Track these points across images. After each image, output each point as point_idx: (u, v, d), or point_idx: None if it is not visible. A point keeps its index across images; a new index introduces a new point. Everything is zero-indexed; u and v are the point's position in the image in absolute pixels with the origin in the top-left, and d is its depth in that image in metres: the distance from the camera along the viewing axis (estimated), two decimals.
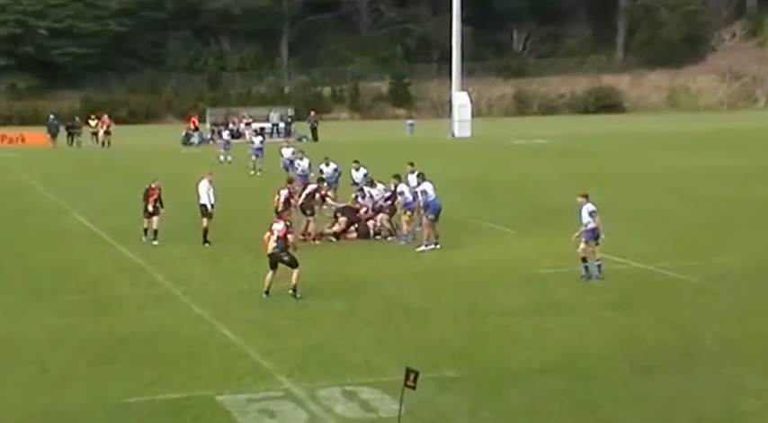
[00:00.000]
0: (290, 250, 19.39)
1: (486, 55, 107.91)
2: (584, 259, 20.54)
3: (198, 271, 22.63)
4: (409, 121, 78.33)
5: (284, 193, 25.29)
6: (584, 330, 16.79)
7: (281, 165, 38.43)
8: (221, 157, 49.85)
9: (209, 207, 25.39)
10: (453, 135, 70.69)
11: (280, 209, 24.15)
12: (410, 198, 25.29)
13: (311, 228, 25.94)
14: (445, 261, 23.19)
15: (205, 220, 25.57)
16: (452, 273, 21.83)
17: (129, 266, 23.31)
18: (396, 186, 25.92)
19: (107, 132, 64.58)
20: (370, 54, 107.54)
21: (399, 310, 18.48)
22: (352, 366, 14.94)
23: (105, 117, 66.30)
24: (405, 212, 25.49)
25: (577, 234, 20.72)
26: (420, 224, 25.32)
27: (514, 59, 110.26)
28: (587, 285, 20.23)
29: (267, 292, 19.50)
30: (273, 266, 19.47)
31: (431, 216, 24.55)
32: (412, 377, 10.70)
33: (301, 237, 24.72)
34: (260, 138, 47.70)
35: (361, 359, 15.26)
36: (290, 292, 19.30)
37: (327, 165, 31.73)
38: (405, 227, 25.66)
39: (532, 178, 40.98)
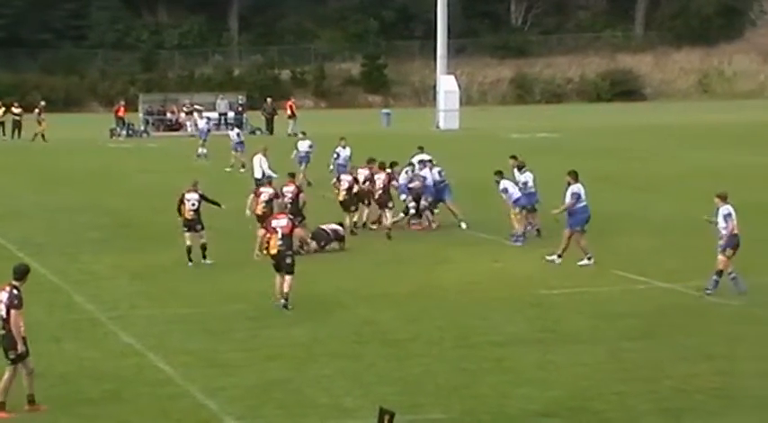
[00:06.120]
0: (296, 251, 20.79)
1: (479, 30, 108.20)
2: (719, 273, 20.98)
3: (127, 292, 22.51)
4: (385, 111, 78.43)
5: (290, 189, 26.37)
6: (598, 365, 16.79)
7: (296, 160, 39.66)
8: (200, 150, 50.45)
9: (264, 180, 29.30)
10: (438, 127, 70.81)
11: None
12: (516, 194, 26.96)
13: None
14: (430, 279, 23.18)
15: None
16: (438, 294, 21.81)
17: (41, 286, 23.05)
18: (498, 183, 27.77)
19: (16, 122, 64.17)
20: (339, 29, 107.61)
21: (374, 339, 18.43)
22: (317, 407, 14.88)
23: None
24: (514, 209, 27.16)
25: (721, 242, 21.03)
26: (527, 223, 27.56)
27: (513, 36, 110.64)
28: (603, 310, 20.27)
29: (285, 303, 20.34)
30: (280, 269, 20.36)
31: (578, 227, 24.47)
32: (387, 419, 10.70)
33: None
34: (237, 131, 49.46)
35: (327, 398, 15.22)
36: (282, 302, 20.20)
37: (344, 147, 36.32)
38: (516, 226, 27.16)
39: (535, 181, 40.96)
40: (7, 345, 14.63)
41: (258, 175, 32.49)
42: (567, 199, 24.67)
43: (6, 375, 14.75)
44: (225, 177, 41.04)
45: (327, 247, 26.49)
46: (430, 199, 29.81)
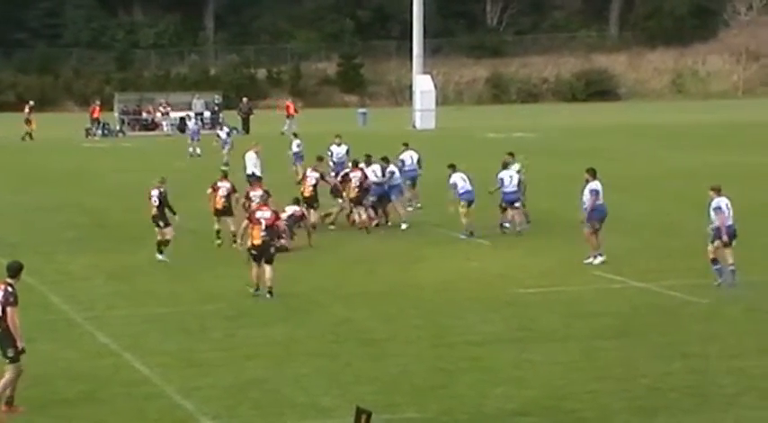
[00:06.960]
0: (278, 243, 21.57)
1: (455, 30, 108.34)
2: (714, 261, 21.21)
3: (103, 292, 22.43)
4: (361, 110, 78.43)
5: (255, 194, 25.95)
6: (573, 363, 16.85)
7: (291, 160, 40.50)
8: (190, 149, 50.90)
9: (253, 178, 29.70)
10: (414, 127, 70.87)
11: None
12: (466, 188, 27.59)
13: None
14: (406, 279, 23.19)
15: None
16: (415, 293, 21.83)
17: None
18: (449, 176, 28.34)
19: None
20: (315, 29, 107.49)
21: (351, 338, 18.45)
22: (294, 406, 14.88)
23: None
24: (459, 203, 27.73)
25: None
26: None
27: (488, 36, 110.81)
28: (578, 309, 20.33)
29: (258, 289, 21.01)
30: (258, 259, 20.92)
31: (595, 224, 24.40)
32: (364, 419, 10.71)
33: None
34: (226, 129, 50.84)
35: (304, 398, 15.22)
36: (266, 293, 20.87)
37: (339, 145, 35.74)
38: (463, 220, 27.76)
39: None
40: (5, 343, 14.63)
41: (250, 171, 33.28)
42: (586, 196, 24.55)
43: (9, 375, 14.67)
44: (207, 176, 40.79)
45: (294, 232, 26.55)
46: (372, 198, 29.85)
